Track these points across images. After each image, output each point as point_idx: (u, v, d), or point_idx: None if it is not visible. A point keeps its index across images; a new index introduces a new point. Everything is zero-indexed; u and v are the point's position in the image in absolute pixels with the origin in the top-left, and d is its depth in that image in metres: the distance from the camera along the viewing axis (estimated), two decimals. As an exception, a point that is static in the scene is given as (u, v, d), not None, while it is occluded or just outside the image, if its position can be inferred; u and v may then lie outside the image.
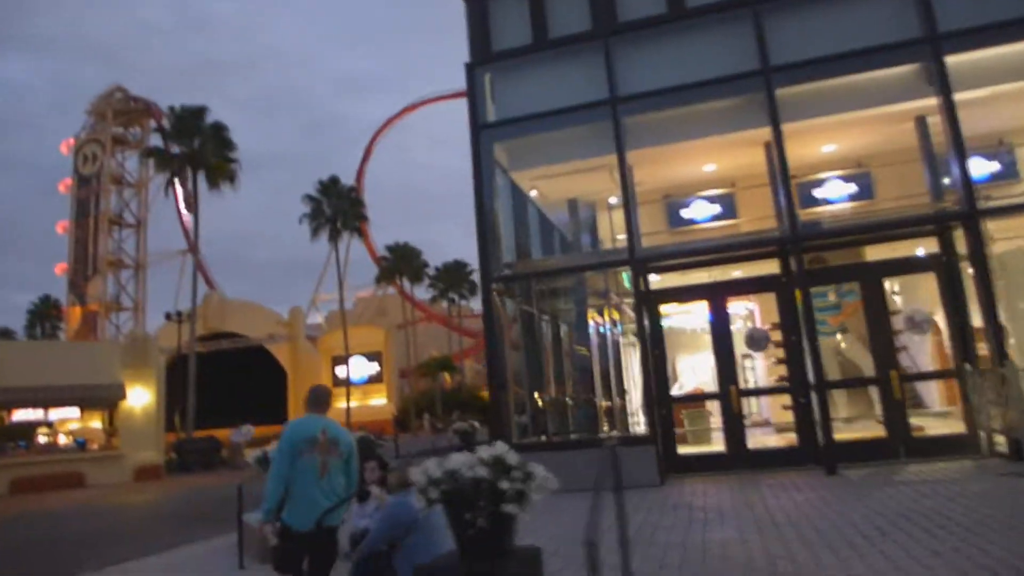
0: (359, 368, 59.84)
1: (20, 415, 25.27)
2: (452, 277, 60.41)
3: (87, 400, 25.12)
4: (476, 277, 63.86)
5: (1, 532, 14.48)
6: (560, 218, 13.49)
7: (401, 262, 53.28)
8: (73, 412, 25.92)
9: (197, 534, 11.47)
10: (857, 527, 6.21)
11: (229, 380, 54.12)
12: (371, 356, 58.92)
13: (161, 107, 73.36)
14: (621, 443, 10.20)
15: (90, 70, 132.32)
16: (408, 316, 64.81)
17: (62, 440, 25.41)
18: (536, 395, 11.23)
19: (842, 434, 10.47)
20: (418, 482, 4.51)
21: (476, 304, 71.51)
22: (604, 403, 12.74)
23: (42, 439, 25.26)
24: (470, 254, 65.96)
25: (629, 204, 10.62)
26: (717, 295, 10.92)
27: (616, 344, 13.60)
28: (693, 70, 10.77)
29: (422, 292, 65.03)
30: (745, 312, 14.65)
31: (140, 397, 25.43)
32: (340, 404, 58.51)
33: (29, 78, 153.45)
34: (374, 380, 59.16)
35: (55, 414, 25.68)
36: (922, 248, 10.66)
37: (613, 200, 13.04)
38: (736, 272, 11.99)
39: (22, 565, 10.54)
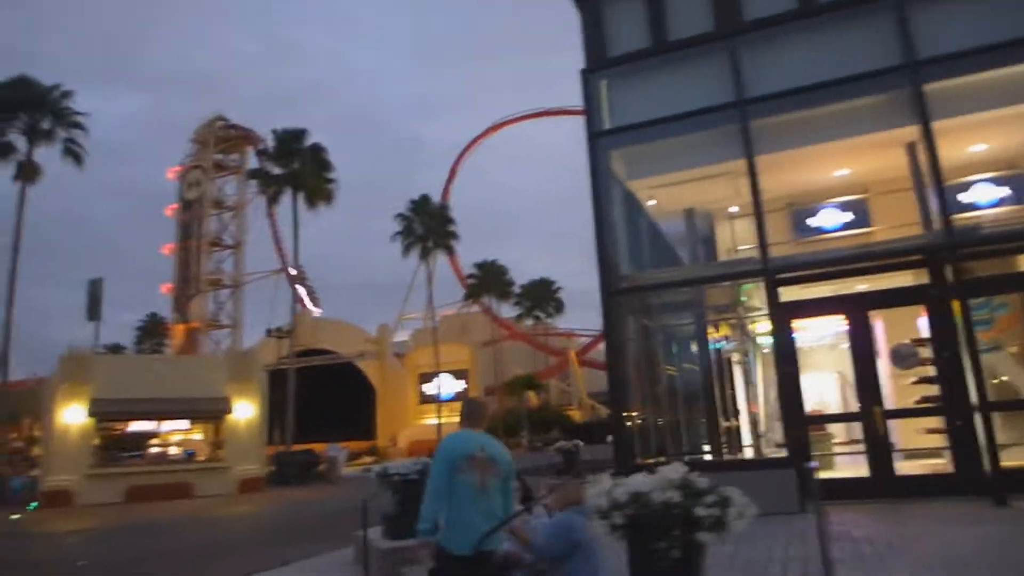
0: (445, 385, 60.30)
1: (134, 426, 26.48)
2: (538, 295, 60.11)
3: (196, 413, 26.09)
4: (562, 295, 63.54)
5: (125, 541, 14.98)
6: (672, 230, 12.94)
7: (488, 279, 53.41)
8: (183, 424, 26.95)
9: (310, 548, 11.46)
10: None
11: (320, 396, 55.49)
12: (457, 374, 59.26)
13: (258, 133, 77.48)
14: (754, 467, 9.57)
15: (188, 101, 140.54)
16: (493, 334, 65.03)
17: (172, 451, 26.41)
18: (654, 413, 10.68)
19: (1004, 461, 9.42)
20: (599, 506, 4.10)
21: (561, 322, 71.12)
22: (724, 422, 12.04)
23: (154, 449, 26.33)
24: (550, 272, 65.77)
25: (759, 212, 9.98)
26: (858, 308, 10.09)
27: (728, 361, 12.90)
28: (826, 68, 10.07)
29: (506, 311, 65.19)
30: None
31: (244, 410, 26.18)
32: (427, 420, 59.25)
33: (136, 111, 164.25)
34: (460, 398, 59.40)
35: (166, 426, 26.77)
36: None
37: (734, 209, 12.43)
38: (861, 286, 11.13)
39: (148, 573, 10.77)
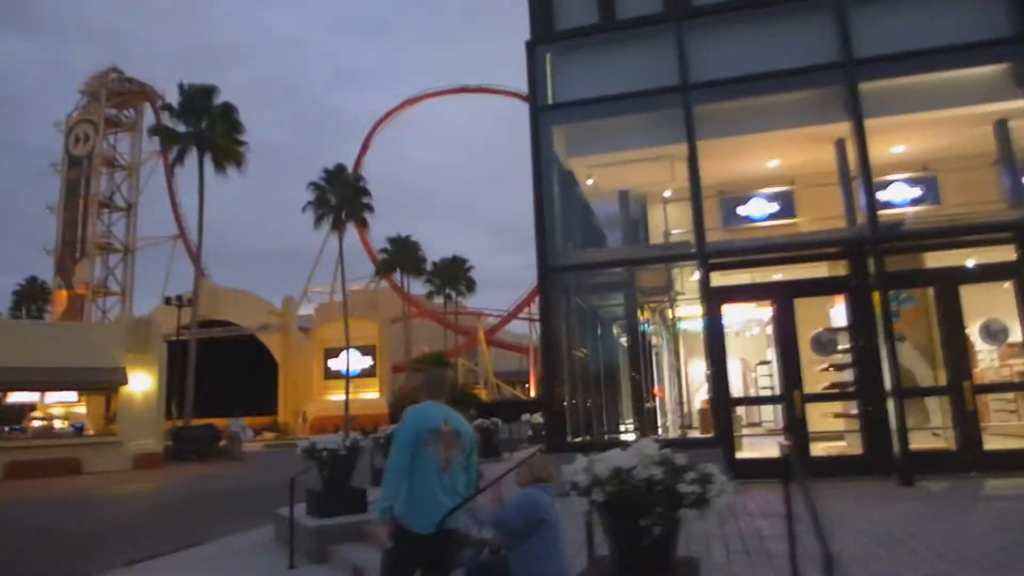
0: (353, 361, 59.15)
1: (15, 397, 24.41)
2: (449, 273, 59.71)
3: (88, 383, 24.31)
4: (474, 274, 63.42)
5: (11, 520, 13.74)
6: (605, 211, 12.99)
7: (401, 255, 52.49)
8: (70, 396, 25.06)
9: (221, 527, 10.86)
10: (982, 544, 5.74)
11: (220, 369, 53.16)
12: (364, 349, 58.12)
13: (157, 89, 72.60)
14: (683, 446, 9.75)
15: (85, 53, 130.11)
16: (401, 311, 64.19)
17: (57, 425, 24.52)
18: (583, 392, 10.72)
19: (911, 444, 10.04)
20: (578, 482, 3.98)
21: (471, 302, 71.09)
22: (646, 403, 12.26)
23: (37, 423, 24.37)
24: (461, 251, 65.35)
25: (697, 196, 10.13)
26: (785, 295, 10.44)
27: (648, 344, 13.16)
28: (767, 60, 10.29)
29: (416, 288, 64.41)
30: (763, 319, 14.25)
31: (141, 382, 24.63)
32: (333, 396, 57.97)
33: (23, 59, 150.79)
34: (367, 374, 58.37)
35: (51, 397, 24.82)
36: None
37: (667, 193, 12.60)
38: (778, 275, 11.57)
39: (40, 556, 9.88)
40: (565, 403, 10.10)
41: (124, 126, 72.69)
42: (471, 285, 61.63)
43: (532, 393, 75.24)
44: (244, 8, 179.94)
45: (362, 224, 38.63)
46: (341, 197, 37.69)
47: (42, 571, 8.97)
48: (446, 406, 4.51)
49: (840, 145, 10.61)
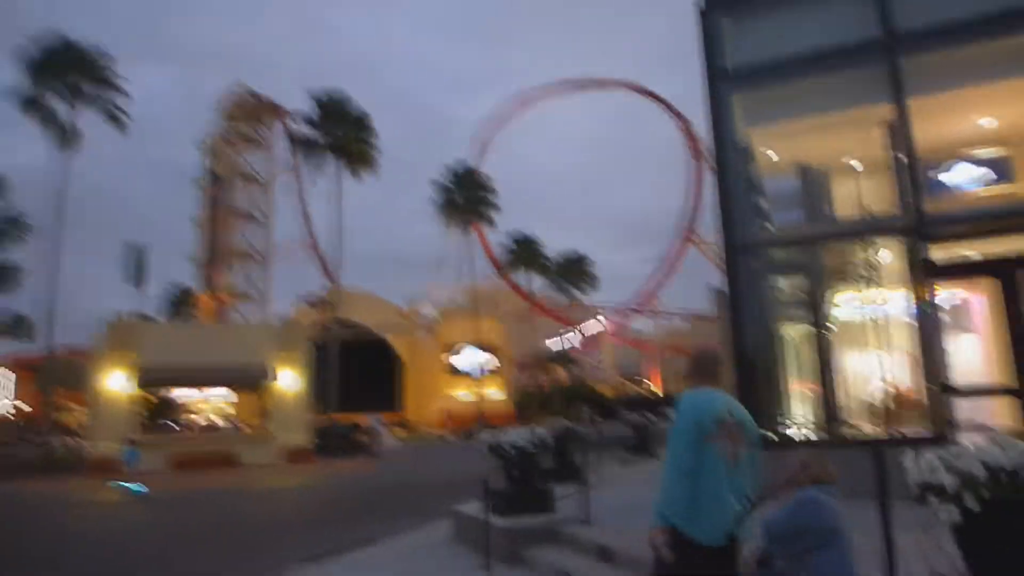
0: (476, 359, 59.81)
1: (177, 393, 26.02)
2: (571, 270, 59.10)
3: (240, 379, 25.57)
4: (595, 270, 62.45)
5: (182, 512, 14.38)
6: (783, 186, 11.84)
7: (524, 253, 52.43)
8: (224, 393, 26.46)
9: (390, 524, 10.72)
10: None
11: (353, 368, 55.13)
12: (487, 348, 58.55)
13: (285, 107, 76.50)
14: (899, 443, 8.59)
15: (218, 77, 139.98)
16: (521, 309, 64.27)
17: (218, 421, 25.99)
18: (788, 382, 9.70)
19: None
20: (938, 484, 3.19)
21: (593, 298, 70.09)
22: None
23: (196, 419, 25.93)
24: (578, 248, 64.12)
25: (911, 160, 8.90)
26: (1011, 271, 9.06)
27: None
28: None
29: (534, 287, 64.10)
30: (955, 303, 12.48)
31: (289, 380, 25.61)
32: (456, 393, 58.85)
33: (164, 86, 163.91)
34: (491, 372, 58.80)
35: (208, 392, 26.31)
36: None
37: (856, 164, 11.34)
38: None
39: (218, 550, 10.05)
40: (768, 393, 9.18)
41: (257, 142, 76.95)
42: (592, 281, 60.74)
43: (654, 389, 73.49)
44: (362, 23, 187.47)
45: (488, 222, 38.70)
46: (467, 197, 37.97)
47: (222, 565, 9.06)
48: (725, 393, 3.81)
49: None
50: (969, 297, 10.31)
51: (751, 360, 9.23)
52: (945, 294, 12.46)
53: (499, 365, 58.67)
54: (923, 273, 8.79)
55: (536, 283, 59.94)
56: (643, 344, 78.05)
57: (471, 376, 58.67)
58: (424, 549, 8.86)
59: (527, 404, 56.31)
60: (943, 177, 10.87)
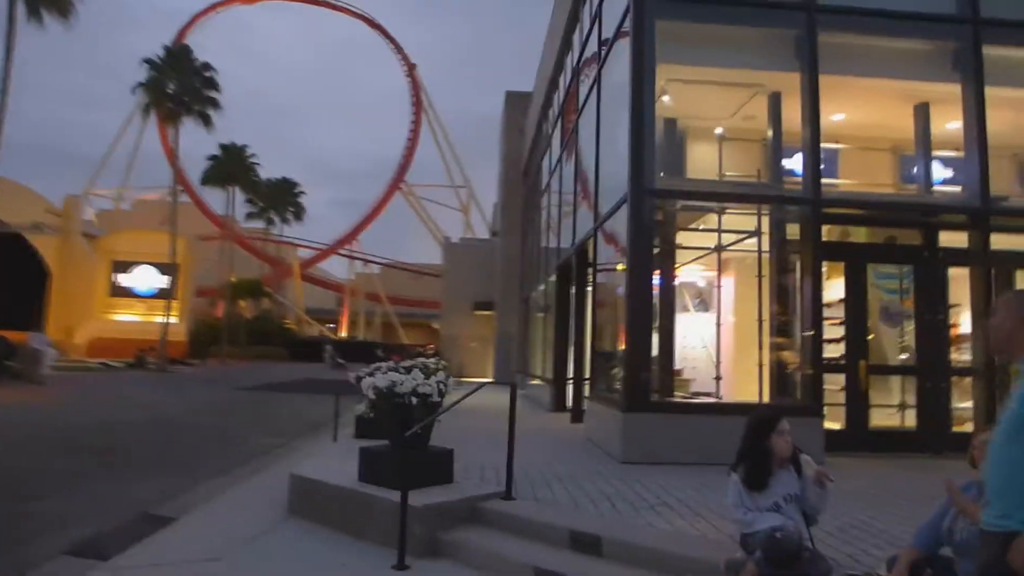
0: (146, 279, 51.47)
1: None
2: (277, 195, 53.78)
3: None
4: (304, 199, 57.85)
5: None
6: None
7: (232, 165, 45.78)
8: None
9: (155, 485, 7.68)
10: None
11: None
12: (164, 268, 50.58)
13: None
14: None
15: None
16: (205, 231, 56.84)
17: None
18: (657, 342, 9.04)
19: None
20: None
21: (295, 230, 65.16)
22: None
23: None
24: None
25: (816, 137, 8.83)
26: (858, 258, 9.72)
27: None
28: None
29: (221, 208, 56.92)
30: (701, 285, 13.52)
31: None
32: (118, 316, 50.06)
33: None
34: (165, 295, 50.95)
35: None
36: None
37: (719, 131, 11.21)
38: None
39: None
40: (648, 349, 8.41)
41: None
42: (299, 212, 56.15)
43: (343, 333, 71.64)
44: None
45: (205, 122, 32.38)
46: (181, 85, 31.30)
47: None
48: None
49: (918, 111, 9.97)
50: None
51: (645, 318, 8.40)
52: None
53: (177, 289, 51.18)
54: (815, 249, 8.80)
55: (240, 206, 53.32)
56: (338, 287, 75.55)
57: (141, 298, 50.47)
58: (259, 535, 6.04)
59: (206, 335, 50.26)
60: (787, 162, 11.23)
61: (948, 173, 10.95)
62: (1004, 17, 9.30)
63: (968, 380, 9.52)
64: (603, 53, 11.20)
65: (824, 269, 9.07)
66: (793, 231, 9.24)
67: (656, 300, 8.98)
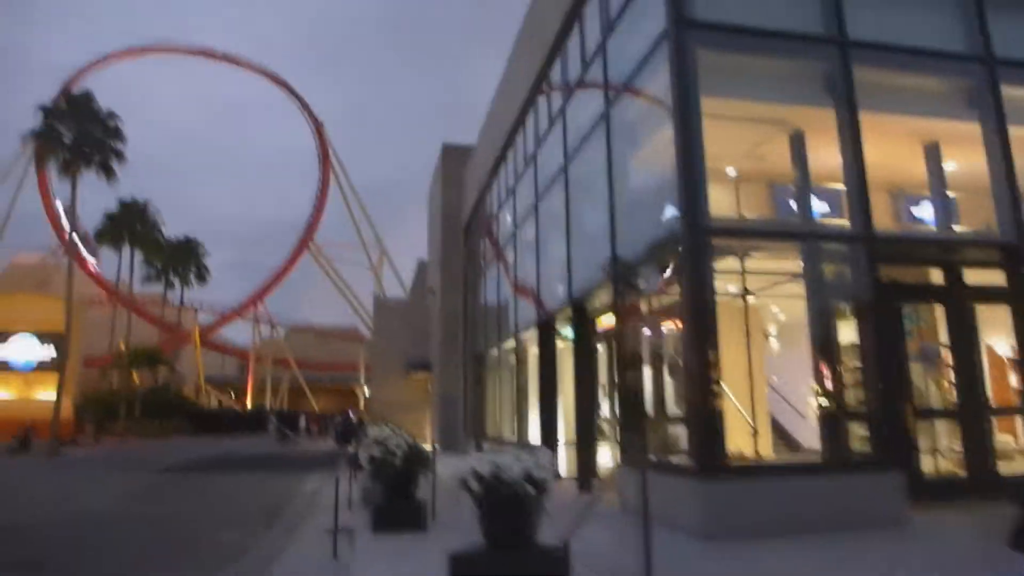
0: (25, 350, 46.11)
1: None
2: (179, 256, 50.07)
3: None
4: (209, 261, 54.24)
5: None
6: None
7: (133, 224, 42.14)
8: None
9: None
10: None
11: None
12: (46, 337, 45.57)
13: None
14: (838, 468, 7.78)
15: None
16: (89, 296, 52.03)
17: None
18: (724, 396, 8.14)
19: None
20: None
21: (200, 294, 61.04)
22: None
23: None
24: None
25: (861, 172, 8.41)
26: (956, 298, 9.35)
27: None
28: (912, 33, 9.15)
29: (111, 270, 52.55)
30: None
31: None
32: None
33: None
34: (46, 368, 45.70)
35: None
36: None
37: (731, 172, 10.76)
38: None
39: None
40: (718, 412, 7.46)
41: None
42: (202, 274, 52.47)
43: (247, 404, 66.99)
44: None
45: (107, 174, 29.41)
46: (80, 133, 28.39)
47: None
48: None
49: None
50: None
51: (711, 367, 7.49)
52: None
53: (62, 359, 46.17)
54: (879, 289, 8.26)
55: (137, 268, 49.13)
56: (242, 353, 71.03)
57: (17, 371, 45.19)
58: None
59: (95, 410, 45.29)
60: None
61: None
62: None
63: None
64: (608, 89, 10.59)
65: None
66: (839, 271, 8.74)
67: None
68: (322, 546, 7.63)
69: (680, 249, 7.79)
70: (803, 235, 8.71)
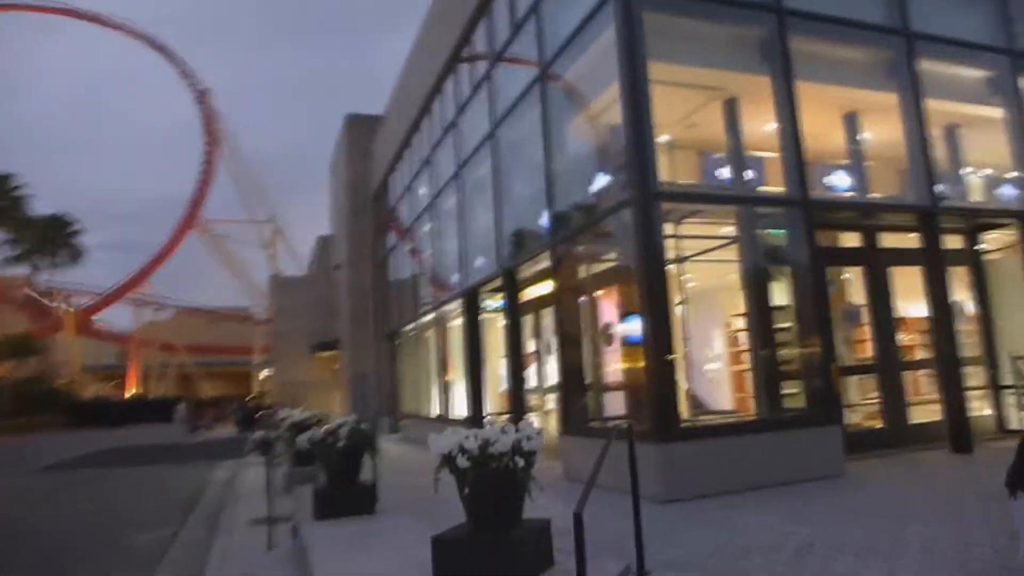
0: None
1: None
2: (47, 235, 45.71)
3: None
4: (91, 240, 49.92)
5: None
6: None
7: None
8: None
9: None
10: None
11: None
12: None
13: None
14: (780, 426, 7.99)
15: None
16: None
17: None
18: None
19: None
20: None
21: (79, 276, 56.24)
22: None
23: None
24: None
25: (796, 139, 8.57)
26: (878, 262, 9.71)
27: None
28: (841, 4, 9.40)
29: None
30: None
31: None
32: None
33: None
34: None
35: None
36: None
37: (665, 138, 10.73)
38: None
39: None
40: (671, 377, 7.44)
41: None
42: (75, 255, 48.25)
43: (129, 393, 62.73)
44: None
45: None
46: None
47: None
48: None
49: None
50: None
51: (664, 333, 7.43)
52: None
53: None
54: (814, 255, 8.46)
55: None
56: (122, 339, 66.27)
57: None
58: None
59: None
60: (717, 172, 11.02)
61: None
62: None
63: None
64: (542, 52, 10.28)
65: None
66: (775, 236, 8.91)
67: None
68: (252, 538, 7.08)
69: (631, 213, 7.63)
70: (750, 200, 8.83)
